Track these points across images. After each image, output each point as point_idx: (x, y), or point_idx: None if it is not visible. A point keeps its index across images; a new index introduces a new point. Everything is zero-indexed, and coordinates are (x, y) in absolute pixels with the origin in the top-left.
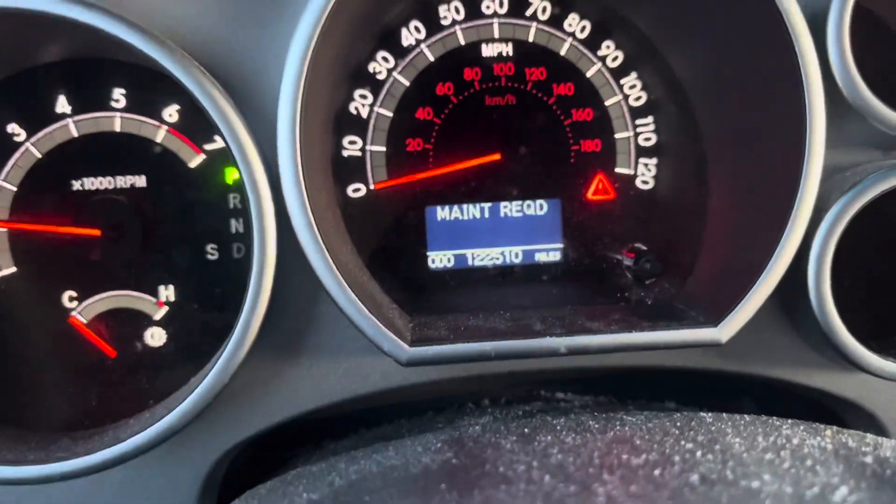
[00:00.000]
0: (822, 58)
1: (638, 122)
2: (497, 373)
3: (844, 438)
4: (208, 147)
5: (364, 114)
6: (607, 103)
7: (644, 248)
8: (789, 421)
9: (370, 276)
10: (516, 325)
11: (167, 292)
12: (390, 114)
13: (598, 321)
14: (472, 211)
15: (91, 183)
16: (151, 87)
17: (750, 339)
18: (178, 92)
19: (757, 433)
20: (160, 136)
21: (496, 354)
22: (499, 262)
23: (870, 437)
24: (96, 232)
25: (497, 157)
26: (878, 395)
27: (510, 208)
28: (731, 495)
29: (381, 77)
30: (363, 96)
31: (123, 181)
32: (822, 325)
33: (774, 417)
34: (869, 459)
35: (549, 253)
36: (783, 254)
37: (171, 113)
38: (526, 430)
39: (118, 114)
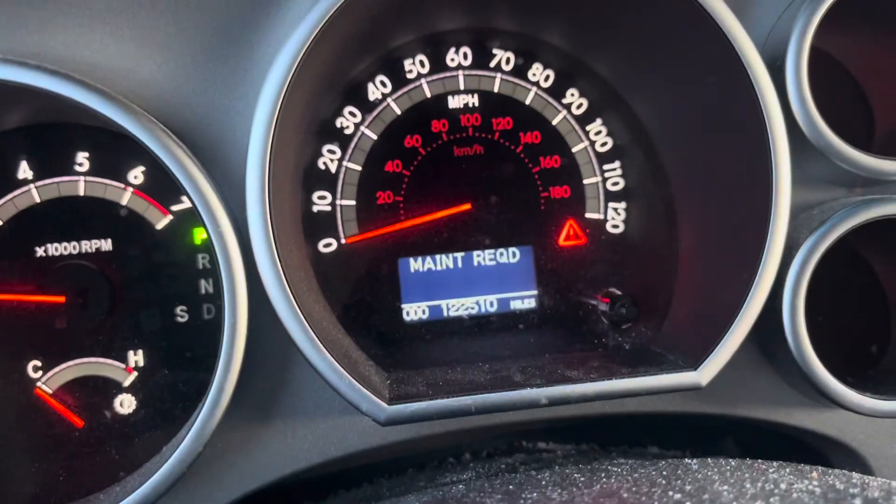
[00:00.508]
0: (783, 99)
1: (605, 167)
2: (478, 426)
3: (831, 480)
4: (175, 208)
5: (333, 169)
6: (574, 150)
7: (619, 292)
8: (775, 464)
9: (345, 332)
10: (495, 378)
11: (136, 357)
12: (359, 168)
13: (578, 369)
14: (445, 261)
15: (55, 248)
16: (116, 150)
17: (729, 380)
18: (143, 153)
19: (744, 479)
20: (126, 198)
21: (477, 409)
22: (474, 311)
23: (856, 476)
24: (61, 299)
25: (468, 206)
26: (857, 431)
27: (483, 257)
28: None
29: (349, 132)
30: (332, 151)
31: (89, 245)
32: (800, 364)
33: (760, 461)
34: (858, 502)
35: (525, 300)
36: (757, 294)
37: (137, 175)
38: (511, 486)
39: (82, 178)
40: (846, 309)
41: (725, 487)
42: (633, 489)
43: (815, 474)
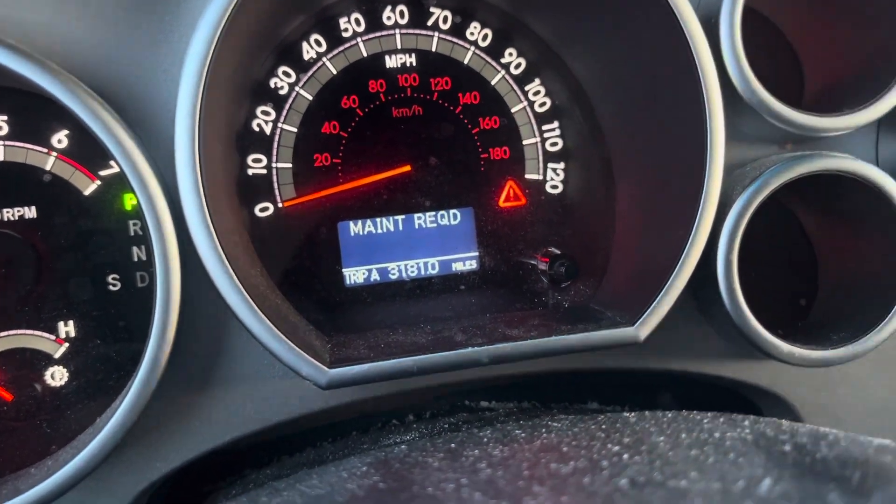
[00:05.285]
0: (717, 57)
1: (544, 127)
2: (420, 387)
3: (762, 428)
4: (103, 173)
5: (268, 131)
6: (513, 110)
7: (558, 251)
8: (709, 414)
9: (283, 297)
10: (437, 339)
11: (67, 328)
12: (295, 129)
13: (518, 328)
14: (385, 224)
15: None
16: (37, 112)
17: (666, 335)
18: (66, 116)
19: (680, 430)
20: (49, 163)
21: (418, 369)
22: (416, 274)
23: (785, 423)
24: None
25: (407, 168)
26: (787, 380)
27: (424, 219)
28: (661, 497)
29: (283, 92)
30: (266, 113)
31: (11, 213)
32: (734, 317)
33: (695, 412)
34: (788, 448)
35: (466, 262)
36: (692, 250)
37: (61, 138)
38: (452, 444)
39: (1, 142)
40: (777, 264)
41: (662, 438)
42: (574, 443)
43: (746, 423)
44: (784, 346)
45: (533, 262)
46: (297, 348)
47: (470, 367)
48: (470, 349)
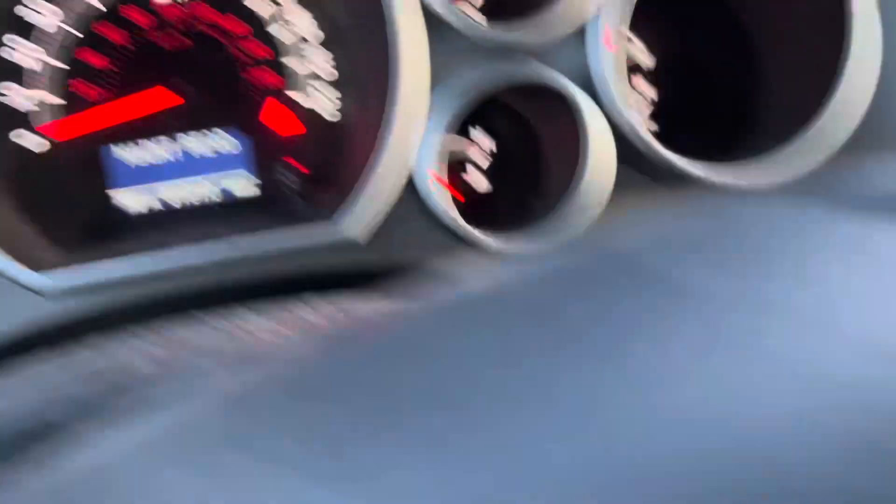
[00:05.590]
0: None
1: (315, 56)
2: (151, 297)
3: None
4: None
5: (31, 65)
6: (285, 41)
7: (306, 170)
8: None
9: (28, 220)
10: (161, 251)
11: None
12: (61, 64)
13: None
14: (157, 151)
15: None
16: None
17: (389, 235)
18: None
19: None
20: None
21: (132, 279)
22: (188, 198)
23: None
24: None
25: (178, 99)
26: None
27: (199, 146)
28: None
29: (47, 28)
30: (27, 46)
31: None
32: (442, 216)
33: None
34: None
35: (239, 186)
36: (398, 156)
37: None
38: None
39: None
40: (514, 166)
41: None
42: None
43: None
44: (486, 240)
45: (287, 178)
46: (12, 259)
47: (188, 274)
48: (187, 255)
